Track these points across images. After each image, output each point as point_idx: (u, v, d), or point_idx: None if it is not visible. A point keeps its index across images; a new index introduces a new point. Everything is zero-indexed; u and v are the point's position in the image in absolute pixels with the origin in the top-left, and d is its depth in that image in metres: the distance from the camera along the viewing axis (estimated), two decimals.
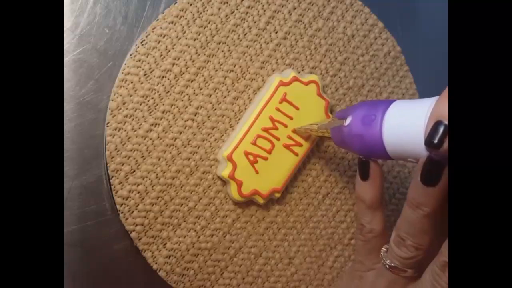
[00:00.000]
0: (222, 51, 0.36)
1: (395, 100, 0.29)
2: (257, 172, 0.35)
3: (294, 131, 0.36)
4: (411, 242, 0.28)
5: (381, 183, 0.32)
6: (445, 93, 0.25)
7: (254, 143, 0.35)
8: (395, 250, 0.29)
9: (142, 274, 0.35)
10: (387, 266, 0.30)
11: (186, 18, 0.35)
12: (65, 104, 0.33)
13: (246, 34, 0.36)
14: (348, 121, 0.31)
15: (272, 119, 0.36)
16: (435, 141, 0.24)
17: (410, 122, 0.27)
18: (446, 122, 0.24)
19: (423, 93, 0.42)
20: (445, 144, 0.24)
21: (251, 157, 0.35)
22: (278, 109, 0.36)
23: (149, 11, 0.35)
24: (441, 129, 0.24)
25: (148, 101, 0.34)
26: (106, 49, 0.34)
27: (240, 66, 0.36)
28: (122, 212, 0.34)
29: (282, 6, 0.37)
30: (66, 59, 0.33)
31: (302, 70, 0.38)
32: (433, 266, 0.27)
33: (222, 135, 0.36)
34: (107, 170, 0.33)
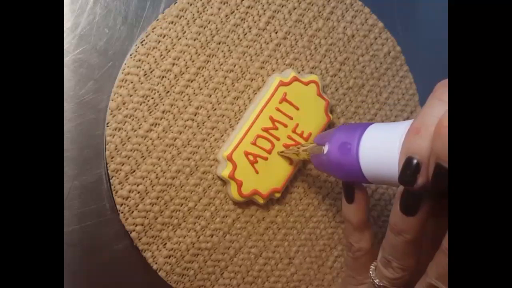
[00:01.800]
0: (222, 51, 0.36)
1: (370, 124, 0.29)
2: (257, 172, 0.35)
3: (281, 153, 0.36)
4: (396, 264, 0.29)
5: (366, 205, 0.32)
6: (413, 127, 0.25)
7: (254, 143, 0.35)
8: (382, 270, 0.30)
9: (142, 274, 0.35)
10: (376, 285, 0.30)
11: (186, 18, 0.35)
12: (65, 104, 0.33)
13: (246, 34, 0.36)
14: (325, 149, 0.31)
15: (272, 119, 0.36)
16: (408, 179, 0.24)
17: (385, 150, 0.27)
18: (417, 159, 0.24)
19: (423, 93, 0.42)
20: (419, 180, 0.24)
21: (251, 157, 0.35)
22: (278, 109, 0.36)
23: (149, 11, 0.35)
24: (413, 166, 0.24)
25: (148, 101, 0.34)
26: (106, 49, 0.34)
27: (240, 66, 0.36)
28: (122, 212, 0.34)
29: (282, 6, 0.37)
30: (66, 59, 0.33)
31: (302, 70, 0.38)
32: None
33: (222, 135, 0.36)
34: (107, 170, 0.33)
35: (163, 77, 0.34)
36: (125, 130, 0.34)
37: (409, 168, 0.24)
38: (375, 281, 0.30)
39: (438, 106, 0.24)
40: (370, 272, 0.31)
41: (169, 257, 0.35)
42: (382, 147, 0.27)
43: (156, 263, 0.35)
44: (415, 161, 0.24)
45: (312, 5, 0.38)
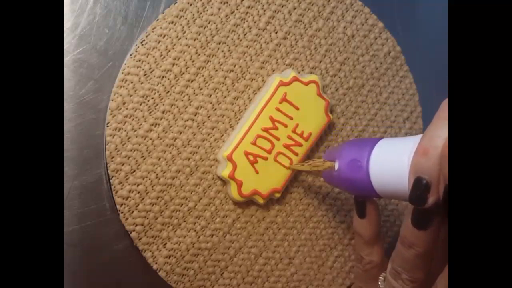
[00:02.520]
0: (222, 51, 0.36)
1: (379, 140, 0.29)
2: (257, 172, 0.35)
3: (291, 169, 0.36)
4: (406, 276, 0.29)
5: (378, 220, 0.33)
6: (421, 146, 0.25)
7: (254, 143, 0.35)
8: (392, 282, 0.30)
9: (142, 274, 0.35)
10: None
11: (186, 18, 0.35)
12: (65, 104, 0.33)
13: (246, 34, 0.36)
14: (336, 166, 0.31)
15: (272, 119, 0.35)
16: (419, 199, 0.25)
17: (394, 166, 0.27)
18: (426, 179, 0.24)
19: (423, 93, 0.42)
20: (430, 200, 0.25)
21: (251, 157, 0.35)
22: (278, 109, 0.36)
23: (149, 11, 0.35)
24: (423, 187, 0.25)
25: (148, 101, 0.34)
26: (106, 49, 0.34)
27: (240, 66, 0.36)
28: (122, 212, 0.34)
29: (282, 6, 0.37)
30: (66, 59, 0.33)
31: (302, 70, 0.38)
32: None
33: (222, 135, 0.36)
34: (107, 170, 0.33)
35: (163, 77, 0.34)
36: (125, 130, 0.34)
37: (419, 189, 0.25)
38: None
39: (444, 127, 0.25)
40: (379, 283, 0.32)
41: (169, 257, 0.35)
42: (392, 164, 0.27)
43: (156, 263, 0.35)
44: (424, 181, 0.24)
45: (312, 5, 0.38)
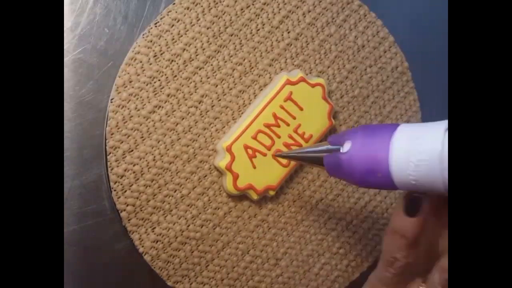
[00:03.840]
0: (233, 44, 0.36)
1: (399, 124, 0.27)
2: (254, 167, 0.35)
3: (276, 155, 0.35)
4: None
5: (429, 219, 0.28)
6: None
7: (254, 138, 0.35)
8: None
9: (142, 274, 0.35)
10: None
11: (202, 6, 0.35)
12: (65, 104, 0.33)
13: (259, 30, 0.37)
14: (346, 147, 0.28)
15: (275, 116, 0.36)
16: None
17: (425, 149, 0.24)
18: None
19: (425, 112, 0.42)
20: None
21: (250, 151, 0.35)
22: (282, 107, 0.36)
23: (149, 11, 0.35)
24: None
25: (155, 82, 0.34)
26: (106, 49, 0.34)
27: (249, 61, 0.36)
28: (115, 190, 0.33)
29: (297, 8, 0.38)
30: (66, 59, 0.33)
31: (310, 73, 0.38)
32: None
33: (224, 127, 0.36)
34: (107, 169, 0.33)
35: (172, 60, 0.35)
36: (128, 108, 0.34)
37: None
38: None
39: None
40: None
41: (156, 241, 0.34)
42: (422, 145, 0.24)
43: (142, 247, 0.34)
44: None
45: (327, 10, 0.39)
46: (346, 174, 0.28)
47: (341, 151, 0.28)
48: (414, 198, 0.28)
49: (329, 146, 0.29)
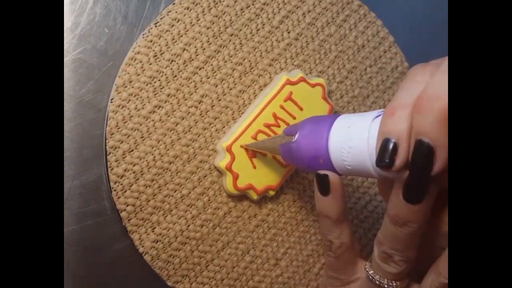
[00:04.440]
0: (233, 44, 0.36)
1: (340, 115, 0.29)
2: (254, 167, 0.35)
3: (241, 146, 0.35)
4: (399, 257, 0.28)
5: (344, 194, 0.30)
6: (388, 108, 0.25)
7: (254, 138, 0.35)
8: (384, 266, 0.29)
9: (142, 274, 0.35)
10: (377, 282, 0.29)
11: (202, 6, 0.35)
12: (65, 104, 0.33)
13: (259, 30, 0.37)
14: (295, 137, 0.30)
15: (275, 116, 0.36)
16: (386, 160, 0.24)
17: (355, 136, 0.26)
18: (394, 140, 0.24)
19: None
20: (397, 162, 0.24)
21: (250, 151, 0.35)
22: (282, 107, 0.36)
23: (149, 11, 0.35)
24: (390, 147, 0.24)
25: (155, 82, 0.34)
26: (106, 49, 0.34)
27: (249, 61, 0.37)
28: (115, 190, 0.33)
29: (297, 8, 0.38)
30: (66, 59, 0.33)
31: (310, 73, 0.38)
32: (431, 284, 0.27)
33: (224, 127, 0.36)
34: (107, 169, 0.33)
35: (172, 61, 0.35)
36: (128, 108, 0.34)
37: (386, 150, 0.24)
38: (375, 278, 0.29)
39: (413, 87, 0.24)
40: (366, 269, 0.30)
41: (156, 242, 0.34)
42: (353, 133, 0.27)
43: (142, 247, 0.34)
44: (391, 143, 0.24)
45: (327, 10, 0.39)
46: (296, 161, 0.30)
47: (292, 140, 0.30)
48: (323, 176, 0.29)
49: (284, 136, 0.31)
